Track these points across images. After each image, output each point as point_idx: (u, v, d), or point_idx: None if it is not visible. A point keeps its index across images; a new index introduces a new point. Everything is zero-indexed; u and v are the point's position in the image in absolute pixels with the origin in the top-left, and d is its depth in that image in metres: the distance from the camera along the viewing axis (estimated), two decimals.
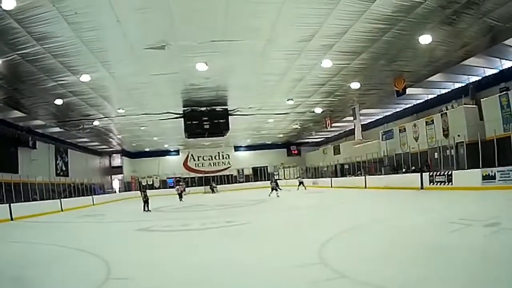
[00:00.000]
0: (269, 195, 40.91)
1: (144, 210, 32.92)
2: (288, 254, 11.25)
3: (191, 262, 11.20)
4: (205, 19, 20.53)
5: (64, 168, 56.69)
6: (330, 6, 19.71)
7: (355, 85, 33.66)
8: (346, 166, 56.46)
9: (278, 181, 47.08)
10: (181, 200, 43.90)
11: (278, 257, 10.89)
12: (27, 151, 44.70)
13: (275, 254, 11.36)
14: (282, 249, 12.08)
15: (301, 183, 54.83)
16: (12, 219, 30.44)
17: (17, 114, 38.08)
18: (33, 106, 35.26)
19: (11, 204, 31.55)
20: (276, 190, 41.37)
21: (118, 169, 76.97)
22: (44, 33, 20.42)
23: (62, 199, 42.11)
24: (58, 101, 33.08)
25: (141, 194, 34.63)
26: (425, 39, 23.35)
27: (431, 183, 31.99)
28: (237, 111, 41.81)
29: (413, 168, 37.68)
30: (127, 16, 19.45)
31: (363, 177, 45.33)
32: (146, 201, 33.60)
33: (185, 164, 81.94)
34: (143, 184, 73.80)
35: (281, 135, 68.94)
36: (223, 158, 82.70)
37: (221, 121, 40.10)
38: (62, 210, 39.70)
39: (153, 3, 18.66)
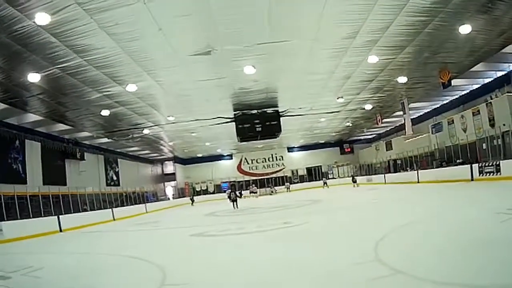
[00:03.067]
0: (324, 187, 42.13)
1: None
2: (344, 252, 11.04)
3: (248, 265, 10.98)
4: (249, 22, 20.42)
5: (115, 178, 57.23)
6: (371, 2, 19.45)
7: (402, 79, 33.31)
8: (398, 162, 55.87)
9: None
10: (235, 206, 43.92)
11: (335, 256, 10.73)
12: (75, 163, 45.14)
13: (332, 253, 11.20)
14: (339, 248, 11.88)
15: (354, 181, 57.02)
16: (61, 230, 30.54)
17: (62, 127, 38.41)
18: (79, 118, 35.53)
19: (60, 216, 31.47)
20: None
21: (171, 176, 77.13)
22: (84, 46, 20.51)
23: (114, 208, 42.48)
24: (105, 112, 33.38)
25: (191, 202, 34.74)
26: (464, 29, 23.09)
27: (481, 174, 31.30)
28: (288, 112, 41.53)
29: (462, 160, 37.00)
30: (169, 24, 19.47)
31: (415, 171, 44.75)
32: (234, 200, 36.63)
33: (239, 167, 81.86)
34: (197, 189, 76.25)
35: (334, 134, 68.44)
36: (276, 160, 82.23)
37: (273, 123, 39.62)
38: (114, 219, 40.17)
39: (193, 10, 18.59)
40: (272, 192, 70.48)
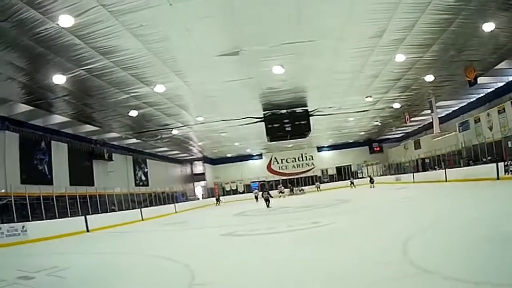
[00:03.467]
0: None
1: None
2: (372, 252, 10.91)
3: (277, 265, 10.79)
4: (276, 22, 20.38)
5: (143, 178, 57.49)
6: (395, 0, 19.34)
7: (429, 77, 33.06)
8: (427, 161, 55.58)
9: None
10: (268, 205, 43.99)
11: (362, 256, 10.59)
12: (103, 163, 45.45)
13: (359, 253, 11.07)
14: (366, 247, 11.74)
15: (372, 181, 58.76)
16: (88, 230, 30.76)
17: (90, 128, 38.72)
18: (106, 119, 35.79)
19: (87, 216, 31.73)
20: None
21: (201, 176, 77.60)
22: (110, 47, 20.62)
23: (142, 209, 42.86)
24: (133, 113, 33.57)
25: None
26: (488, 26, 22.89)
27: (506, 173, 31.06)
28: (318, 111, 41.34)
29: (489, 158, 36.66)
30: (196, 25, 19.53)
31: (443, 170, 44.43)
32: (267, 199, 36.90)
33: (268, 167, 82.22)
34: (226, 189, 77.29)
35: (363, 133, 68.39)
36: (306, 159, 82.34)
37: (302, 122, 39.39)
38: (143, 219, 40.53)
39: (219, 11, 18.67)
40: (300, 191, 70.18)
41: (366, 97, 38.35)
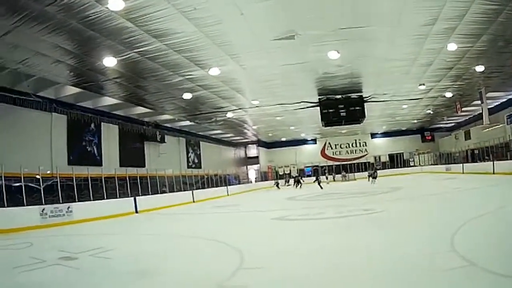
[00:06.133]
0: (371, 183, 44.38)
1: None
2: (419, 241, 11.00)
3: (326, 251, 10.93)
4: (332, 6, 20.16)
5: (196, 160, 57.91)
6: None
7: (480, 68, 32.73)
8: (476, 152, 55.13)
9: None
10: (298, 186, 44.18)
11: (408, 245, 10.66)
12: (155, 145, 45.99)
13: (406, 242, 11.16)
14: (414, 237, 11.89)
15: (374, 177, 51.24)
16: (137, 211, 31.20)
17: (141, 110, 39.27)
18: (159, 101, 36.01)
19: (136, 197, 32.22)
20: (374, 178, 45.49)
21: (254, 160, 77.65)
22: (163, 30, 20.62)
23: (194, 191, 43.21)
24: (187, 95, 33.59)
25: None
26: None
27: None
28: (372, 97, 41.09)
29: None
30: (250, 8, 19.26)
31: (491, 162, 44.00)
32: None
33: (322, 152, 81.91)
34: (280, 173, 77.06)
35: (415, 121, 67.57)
36: (360, 146, 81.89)
37: (357, 108, 39.24)
38: (194, 201, 40.70)
39: None
40: (343, 178, 69.90)
41: (420, 85, 37.95)
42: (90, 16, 17.88)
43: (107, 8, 17.29)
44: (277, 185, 61.49)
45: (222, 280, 8.54)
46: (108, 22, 18.80)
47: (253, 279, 8.61)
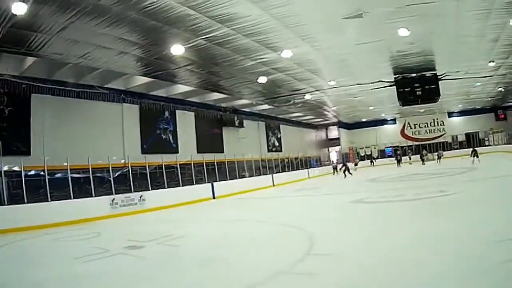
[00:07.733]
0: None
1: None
2: (490, 227, 10.58)
3: (397, 238, 10.71)
4: None
5: (276, 144, 58.18)
6: None
7: None
8: None
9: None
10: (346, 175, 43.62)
11: (478, 230, 10.37)
12: (233, 130, 46.28)
13: (476, 227, 10.88)
14: (486, 222, 11.49)
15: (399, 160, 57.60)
16: (214, 197, 31.57)
17: (217, 96, 39.42)
18: (235, 86, 35.96)
19: (214, 183, 32.59)
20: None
21: (336, 141, 77.33)
22: (228, 15, 20.42)
23: (274, 175, 43.67)
24: (262, 79, 33.52)
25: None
26: None
27: None
28: (446, 75, 39.94)
29: None
30: None
31: None
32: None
33: (402, 132, 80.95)
34: (361, 154, 77.94)
35: (489, 99, 65.66)
36: (437, 125, 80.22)
37: (432, 86, 38.41)
38: (274, 185, 41.27)
39: None
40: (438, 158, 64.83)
41: (489, 62, 36.94)
42: (149, 7, 17.88)
43: None
44: (335, 169, 57.08)
45: (287, 267, 8.58)
46: (169, 11, 18.80)
47: (318, 267, 8.50)
